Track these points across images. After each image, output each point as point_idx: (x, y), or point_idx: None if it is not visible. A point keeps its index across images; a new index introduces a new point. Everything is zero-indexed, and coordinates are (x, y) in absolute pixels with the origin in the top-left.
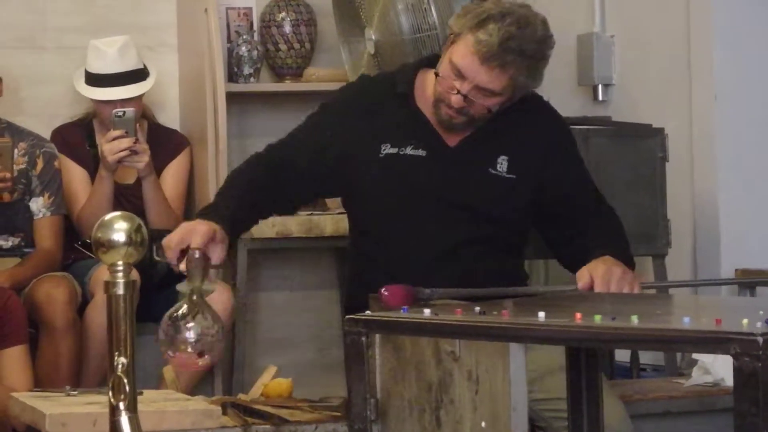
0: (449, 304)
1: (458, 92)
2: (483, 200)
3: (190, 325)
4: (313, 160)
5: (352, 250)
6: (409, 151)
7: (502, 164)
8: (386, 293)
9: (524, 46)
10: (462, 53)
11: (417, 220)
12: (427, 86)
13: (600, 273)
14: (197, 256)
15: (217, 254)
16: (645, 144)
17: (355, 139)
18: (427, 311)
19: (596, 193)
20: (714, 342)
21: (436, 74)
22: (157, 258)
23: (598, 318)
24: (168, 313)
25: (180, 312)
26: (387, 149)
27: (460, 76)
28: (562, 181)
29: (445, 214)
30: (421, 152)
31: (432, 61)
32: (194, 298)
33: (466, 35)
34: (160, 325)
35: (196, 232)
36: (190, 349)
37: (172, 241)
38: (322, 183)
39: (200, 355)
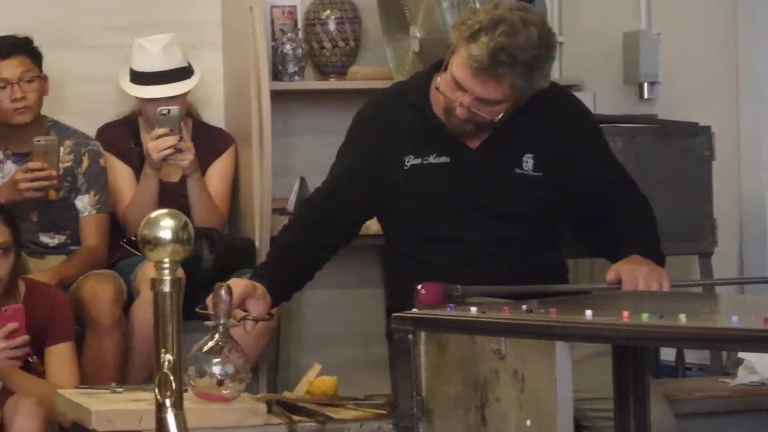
0: (496, 303)
1: (461, 104)
2: (511, 200)
3: (215, 360)
4: (351, 192)
5: (388, 258)
6: (432, 159)
7: (528, 163)
8: (422, 291)
9: (516, 54)
10: (458, 66)
11: (447, 225)
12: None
13: (627, 272)
14: (222, 292)
15: (256, 309)
16: (691, 142)
17: (380, 157)
18: (473, 309)
19: (626, 181)
20: (762, 341)
21: (437, 88)
22: (199, 311)
23: (645, 316)
24: (195, 347)
25: (206, 347)
26: (411, 161)
27: (460, 88)
28: (589, 174)
29: (474, 216)
30: (444, 159)
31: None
32: (220, 332)
33: (460, 48)
34: (188, 357)
35: (235, 285)
36: (214, 383)
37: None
38: (364, 208)
39: (224, 388)
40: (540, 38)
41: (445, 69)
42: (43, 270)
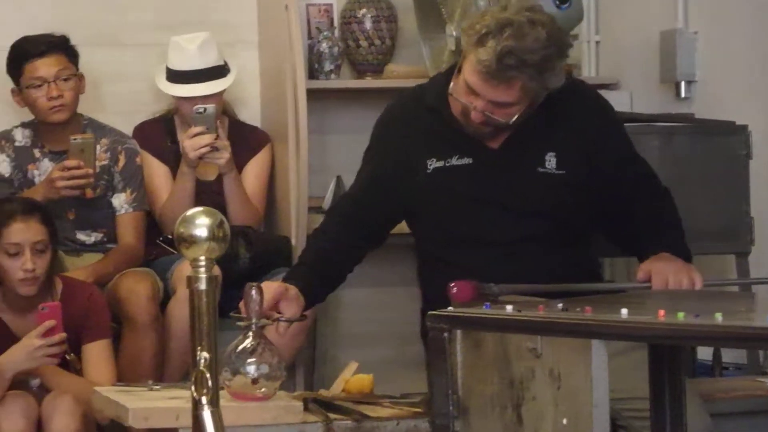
0: (531, 301)
1: (475, 108)
2: (535, 199)
3: (250, 360)
4: (376, 197)
5: (419, 260)
6: (455, 161)
7: (551, 161)
8: (455, 288)
9: (524, 56)
10: (469, 71)
11: (473, 226)
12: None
13: (656, 270)
14: (253, 292)
15: (290, 310)
16: (728, 141)
17: (403, 162)
18: (509, 308)
19: (648, 175)
20: None
21: (450, 94)
22: (233, 315)
23: (681, 315)
24: (229, 347)
25: (240, 347)
26: (433, 164)
27: (473, 93)
28: (612, 170)
29: (499, 216)
30: (467, 160)
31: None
32: (252, 332)
33: (470, 53)
34: (222, 358)
35: (267, 287)
36: (249, 383)
37: None
38: (391, 213)
39: (258, 387)
40: (548, 38)
41: (458, 73)
42: (80, 268)
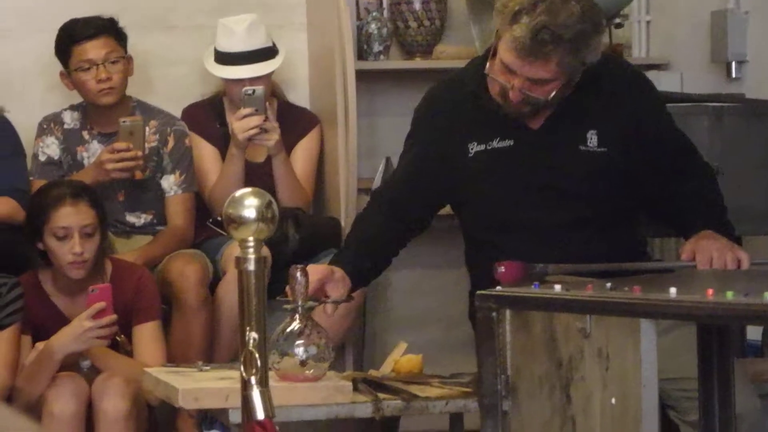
0: (580, 281)
1: (513, 87)
2: (578, 178)
3: (298, 342)
4: (419, 184)
5: (466, 244)
6: (496, 144)
7: (592, 139)
8: (501, 268)
9: (559, 32)
10: (504, 50)
11: (517, 209)
12: None
13: (701, 249)
14: (298, 274)
15: (336, 292)
16: None
17: (444, 147)
18: (557, 287)
19: (689, 150)
20: None
21: (487, 74)
22: (280, 299)
23: (730, 294)
24: (278, 330)
25: (288, 329)
26: (475, 147)
27: (510, 72)
28: (653, 145)
29: (543, 197)
30: (508, 143)
31: None
32: (299, 314)
33: (504, 32)
34: (270, 341)
35: (313, 270)
36: (297, 364)
37: None
38: (434, 199)
39: (307, 369)
40: (582, 13)
41: (494, 55)
42: (130, 250)
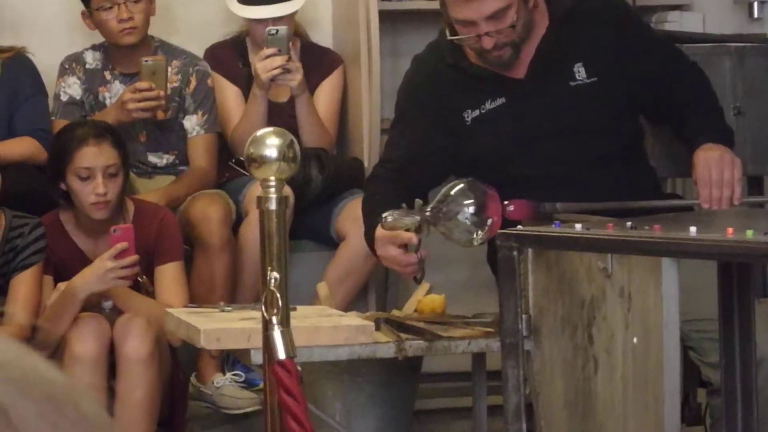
0: (601, 220)
1: (480, 36)
2: (576, 114)
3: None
4: (423, 168)
5: None
6: (489, 105)
7: (580, 72)
8: (511, 207)
9: None
10: (451, 9)
11: (524, 163)
12: None
13: (699, 162)
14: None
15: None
16: None
17: (441, 121)
18: (578, 226)
19: (675, 54)
20: None
21: (452, 41)
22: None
23: (750, 233)
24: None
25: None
26: (470, 114)
27: (470, 24)
28: (642, 61)
29: (547, 145)
30: (500, 101)
31: None
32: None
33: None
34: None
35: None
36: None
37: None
38: (441, 176)
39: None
40: None
41: (450, 26)
42: (152, 191)
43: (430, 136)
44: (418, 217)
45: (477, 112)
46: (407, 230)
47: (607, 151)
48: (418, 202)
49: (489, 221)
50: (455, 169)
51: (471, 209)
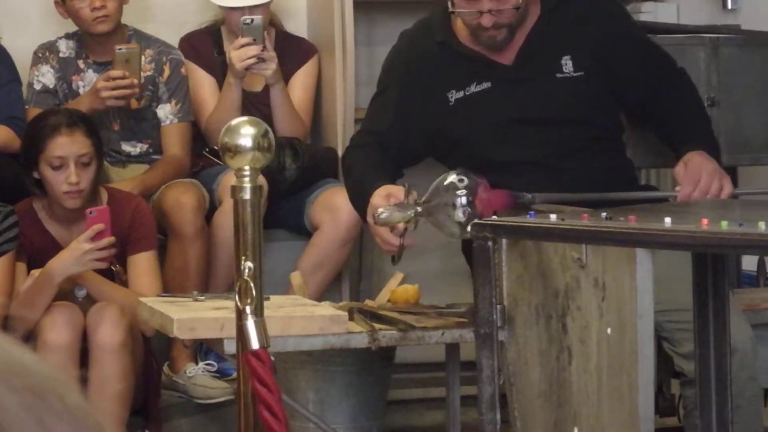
0: (576, 211)
1: (482, 12)
2: (560, 106)
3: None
4: (402, 144)
5: None
6: (474, 88)
7: (567, 65)
8: (486, 197)
9: None
10: None
11: (504, 149)
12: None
13: (694, 163)
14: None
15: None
16: None
17: (423, 100)
18: (553, 216)
19: (665, 59)
20: None
21: (452, 13)
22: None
23: (724, 224)
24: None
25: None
26: (454, 95)
27: (474, 0)
28: (628, 58)
29: (528, 133)
30: (485, 85)
31: None
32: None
33: None
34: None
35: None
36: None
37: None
38: (417, 154)
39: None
40: None
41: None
42: (126, 179)
43: (412, 111)
44: (412, 212)
45: (461, 94)
46: (401, 223)
47: (587, 142)
48: (408, 190)
49: (480, 213)
50: (434, 149)
51: (463, 200)
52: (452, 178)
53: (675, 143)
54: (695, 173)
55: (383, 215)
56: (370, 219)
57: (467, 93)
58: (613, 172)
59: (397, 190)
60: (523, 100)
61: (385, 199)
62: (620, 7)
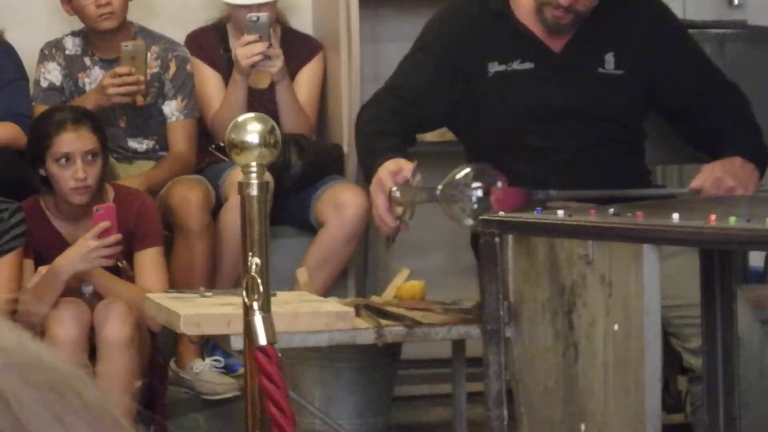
0: (583, 206)
1: None
2: (596, 101)
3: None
4: (428, 104)
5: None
6: (516, 66)
7: (610, 62)
8: (503, 195)
9: None
10: None
11: (533, 133)
12: None
13: (724, 166)
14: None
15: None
16: None
17: (460, 65)
18: (560, 212)
19: (713, 71)
20: None
21: None
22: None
23: (732, 220)
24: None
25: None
26: (494, 68)
27: None
28: (672, 65)
29: (560, 122)
30: (528, 65)
31: None
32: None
33: None
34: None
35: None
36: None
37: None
38: (441, 119)
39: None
40: None
41: None
42: (132, 176)
43: (448, 75)
44: (427, 197)
45: (503, 67)
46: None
47: (610, 142)
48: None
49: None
50: (455, 119)
51: (480, 194)
52: (471, 170)
53: (716, 152)
54: (718, 173)
55: (397, 194)
56: (373, 187)
57: (509, 69)
58: (630, 174)
59: (406, 167)
60: (561, 88)
61: (393, 175)
62: (671, 13)
